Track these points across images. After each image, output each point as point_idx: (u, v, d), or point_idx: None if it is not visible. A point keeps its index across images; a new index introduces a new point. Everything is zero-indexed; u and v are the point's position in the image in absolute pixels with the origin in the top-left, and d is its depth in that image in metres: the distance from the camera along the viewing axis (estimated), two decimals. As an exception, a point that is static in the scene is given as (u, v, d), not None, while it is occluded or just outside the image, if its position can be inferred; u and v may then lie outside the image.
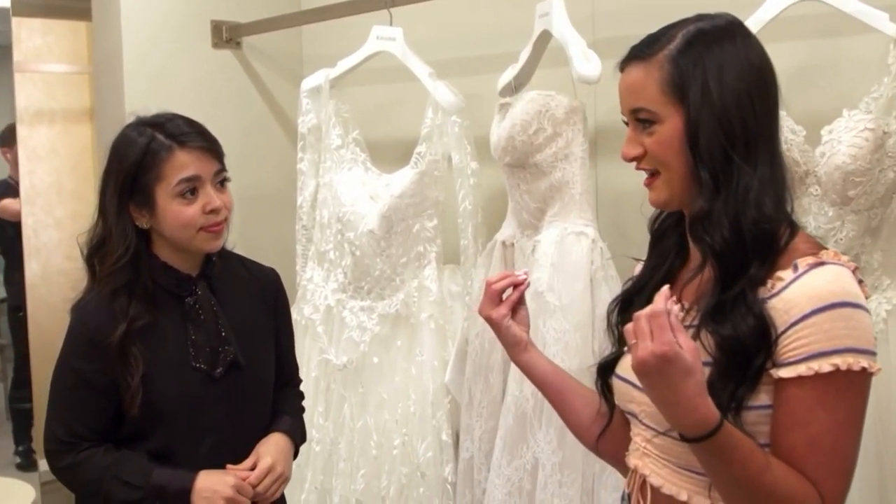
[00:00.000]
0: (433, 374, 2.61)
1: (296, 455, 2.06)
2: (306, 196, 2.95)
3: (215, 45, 3.25)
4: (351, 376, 2.74)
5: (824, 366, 1.22)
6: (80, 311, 1.87)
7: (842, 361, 1.22)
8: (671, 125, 1.35)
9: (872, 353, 1.25)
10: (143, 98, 3.02)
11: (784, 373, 1.24)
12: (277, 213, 3.28)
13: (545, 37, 2.40)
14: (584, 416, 1.62)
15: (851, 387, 1.24)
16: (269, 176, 3.33)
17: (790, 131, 1.93)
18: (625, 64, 1.41)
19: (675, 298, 1.43)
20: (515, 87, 2.49)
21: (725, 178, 1.32)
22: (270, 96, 3.43)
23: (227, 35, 3.26)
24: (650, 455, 1.44)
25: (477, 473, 2.45)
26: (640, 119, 1.38)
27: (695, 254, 1.43)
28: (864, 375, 1.24)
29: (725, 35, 1.36)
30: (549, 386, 1.65)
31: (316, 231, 2.90)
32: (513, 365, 2.27)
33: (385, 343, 2.71)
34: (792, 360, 1.24)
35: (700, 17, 1.39)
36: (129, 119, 2.88)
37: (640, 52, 1.39)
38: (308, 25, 3.30)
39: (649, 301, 1.47)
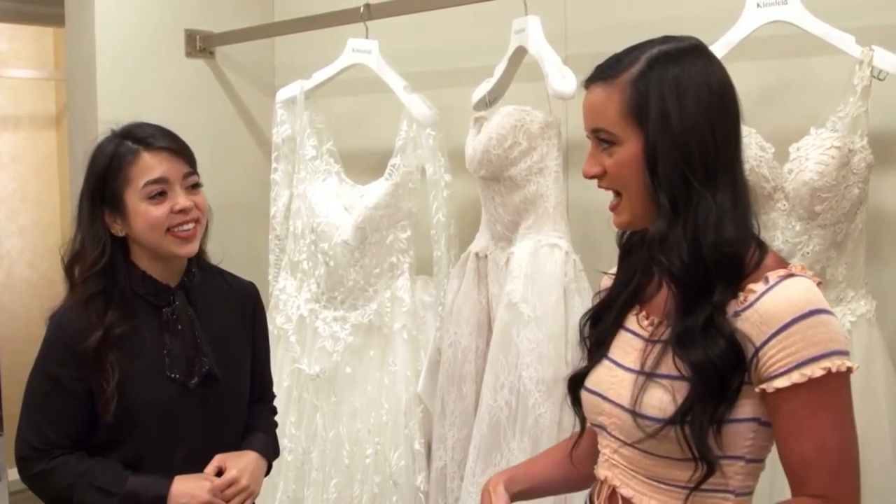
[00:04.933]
0: (406, 384, 2.64)
1: (269, 471, 2.06)
2: (280, 206, 2.97)
3: (189, 53, 3.27)
4: (323, 386, 2.75)
5: (816, 370, 1.25)
6: (57, 317, 1.86)
7: (831, 364, 1.26)
8: (630, 148, 1.36)
9: (849, 354, 1.29)
10: (115, 105, 3.04)
11: (778, 383, 1.27)
12: (248, 222, 3.28)
13: (520, 52, 2.45)
14: (565, 471, 1.67)
15: (841, 387, 1.28)
16: (240, 185, 3.34)
17: (759, 148, 1.99)
18: (589, 83, 1.43)
19: (644, 314, 1.48)
20: (490, 101, 2.53)
21: (684, 203, 1.34)
22: (243, 106, 3.44)
23: (200, 44, 3.27)
24: (619, 466, 1.46)
25: (450, 482, 2.48)
26: (601, 139, 1.40)
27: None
28: (848, 375, 1.29)
29: (687, 58, 1.37)
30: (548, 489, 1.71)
31: (289, 241, 2.91)
32: (487, 374, 2.32)
33: (358, 353, 2.73)
34: (782, 370, 1.27)
35: (664, 40, 1.41)
36: (102, 127, 2.90)
37: (604, 73, 1.40)
38: (280, 36, 3.33)
39: (617, 317, 1.51)
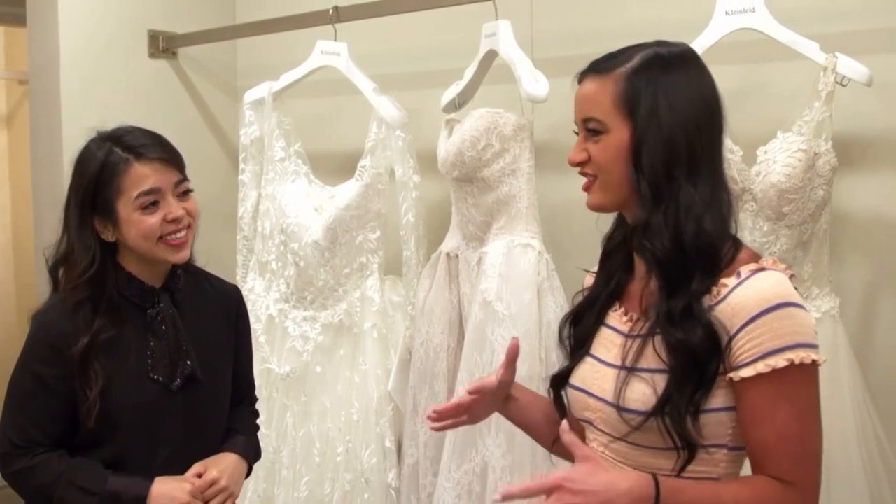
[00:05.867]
0: (376, 383, 2.67)
1: (249, 472, 2.08)
2: (248, 207, 2.98)
3: (152, 54, 3.26)
4: (294, 385, 2.77)
5: (780, 361, 1.32)
6: (42, 317, 1.86)
7: (794, 356, 1.32)
8: (616, 136, 1.43)
9: (817, 347, 1.36)
10: (78, 105, 3.03)
11: (744, 373, 1.34)
12: (211, 223, 3.27)
13: (490, 55, 2.49)
14: (547, 430, 1.69)
15: (805, 378, 1.35)
16: (203, 185, 3.29)
17: (728, 151, 2.05)
18: (583, 76, 1.50)
19: (623, 310, 1.53)
20: (459, 103, 2.57)
21: (666, 193, 1.40)
22: (205, 106, 3.44)
23: (163, 45, 3.26)
24: (608, 459, 1.51)
25: (422, 478, 2.51)
26: (590, 129, 1.46)
27: (640, 265, 1.52)
28: (814, 367, 1.35)
29: (681, 63, 1.45)
30: (526, 420, 1.73)
31: (257, 242, 2.92)
32: (461, 372, 2.36)
33: (328, 352, 2.75)
34: (748, 360, 1.34)
35: (659, 43, 1.48)
36: (66, 127, 2.87)
37: (599, 67, 1.47)
38: (244, 38, 3.33)
39: (598, 316, 1.56)
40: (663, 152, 1.40)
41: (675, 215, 1.39)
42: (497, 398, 1.67)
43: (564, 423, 1.39)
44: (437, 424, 1.68)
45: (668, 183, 1.40)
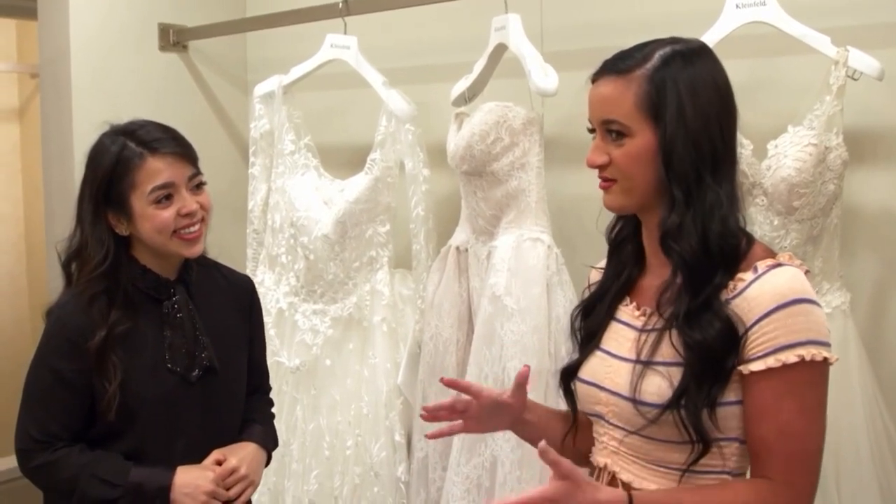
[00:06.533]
0: (386, 376, 2.67)
1: (269, 461, 2.10)
2: (258, 200, 2.98)
3: (162, 47, 3.26)
4: (303, 379, 2.78)
5: (790, 357, 1.32)
6: (58, 312, 1.87)
7: (806, 353, 1.32)
8: (642, 140, 1.41)
9: (829, 345, 1.36)
10: (89, 98, 3.04)
11: (754, 366, 1.34)
12: (221, 216, 3.27)
13: (500, 49, 2.49)
14: (558, 438, 1.68)
15: (814, 376, 1.35)
16: (213, 179, 3.31)
17: (739, 145, 2.04)
18: (598, 76, 1.47)
19: (635, 305, 1.53)
20: (468, 97, 2.57)
21: (696, 195, 1.40)
22: (215, 100, 3.44)
23: (174, 38, 3.27)
24: (620, 453, 1.51)
25: (431, 472, 2.52)
26: (610, 130, 1.44)
27: (652, 261, 1.52)
28: (825, 366, 1.35)
29: (699, 60, 1.43)
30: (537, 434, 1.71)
31: (267, 235, 2.92)
32: (470, 366, 2.36)
33: (337, 346, 2.75)
34: (760, 354, 1.34)
35: (674, 41, 1.46)
36: (77, 120, 2.88)
37: (616, 67, 1.44)
38: (255, 31, 3.33)
39: (609, 307, 1.56)
40: (692, 155, 1.38)
41: (703, 216, 1.39)
42: (500, 417, 1.66)
43: (543, 443, 1.37)
44: (435, 430, 1.68)
45: (698, 185, 1.39)
